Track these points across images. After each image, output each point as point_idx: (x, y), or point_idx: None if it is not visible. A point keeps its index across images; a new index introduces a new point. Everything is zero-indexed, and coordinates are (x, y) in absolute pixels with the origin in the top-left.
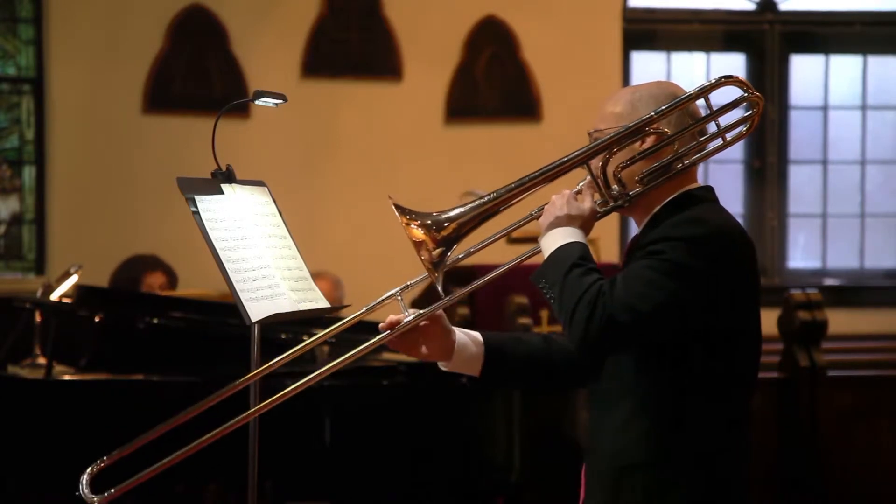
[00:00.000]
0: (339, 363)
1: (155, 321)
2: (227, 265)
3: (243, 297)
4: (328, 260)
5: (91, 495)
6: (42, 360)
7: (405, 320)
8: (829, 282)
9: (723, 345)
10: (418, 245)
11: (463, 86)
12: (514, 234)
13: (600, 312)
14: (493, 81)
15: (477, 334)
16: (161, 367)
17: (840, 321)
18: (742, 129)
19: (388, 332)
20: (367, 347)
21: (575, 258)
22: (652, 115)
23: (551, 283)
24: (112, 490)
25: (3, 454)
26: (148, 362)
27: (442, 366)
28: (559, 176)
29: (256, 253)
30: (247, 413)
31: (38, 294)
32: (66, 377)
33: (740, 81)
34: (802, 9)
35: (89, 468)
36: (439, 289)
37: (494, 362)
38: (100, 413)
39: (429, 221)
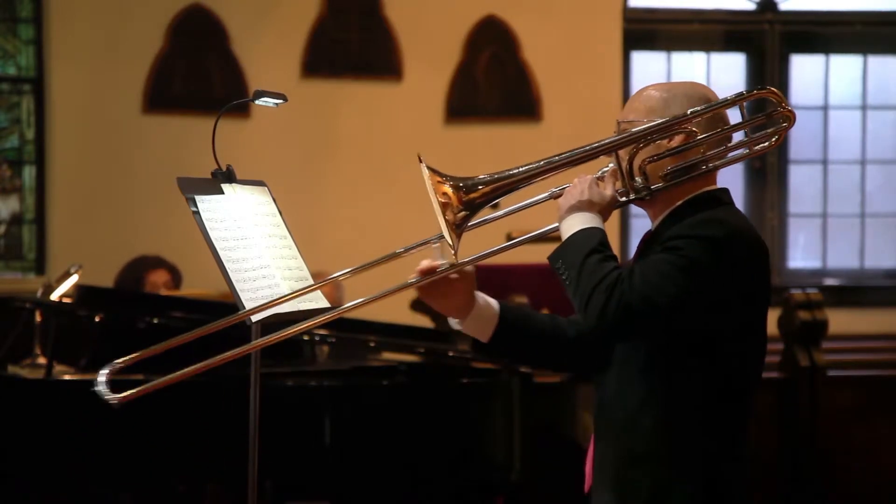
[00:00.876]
0: (366, 302)
1: (155, 321)
2: (227, 265)
3: (243, 296)
4: (328, 260)
5: (109, 392)
6: (42, 360)
7: (440, 268)
8: (829, 282)
9: (730, 345)
10: (444, 205)
11: (463, 86)
12: (514, 234)
13: (617, 299)
14: (493, 81)
15: (494, 302)
16: (161, 367)
17: (840, 321)
18: (771, 140)
19: (422, 277)
20: (400, 289)
21: (594, 243)
22: (688, 115)
23: (569, 264)
24: (130, 392)
25: (3, 454)
26: (148, 362)
27: (454, 324)
28: (588, 160)
29: (256, 253)
30: (249, 345)
31: (38, 294)
32: (66, 377)
33: (776, 94)
34: (802, 9)
35: (108, 367)
36: (455, 253)
37: (506, 332)
38: (100, 413)
39: (460, 183)
